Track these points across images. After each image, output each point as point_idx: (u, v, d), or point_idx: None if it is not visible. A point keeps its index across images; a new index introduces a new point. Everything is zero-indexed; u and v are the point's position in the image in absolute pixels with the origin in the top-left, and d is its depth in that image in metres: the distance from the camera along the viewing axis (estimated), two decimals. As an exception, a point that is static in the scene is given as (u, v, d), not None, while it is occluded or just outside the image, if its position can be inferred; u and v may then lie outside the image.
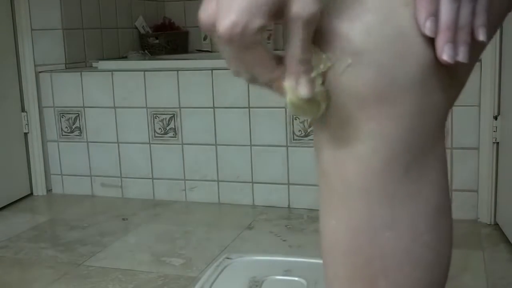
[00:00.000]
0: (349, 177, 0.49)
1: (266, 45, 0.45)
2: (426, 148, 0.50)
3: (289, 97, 0.47)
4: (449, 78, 0.49)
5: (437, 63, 0.47)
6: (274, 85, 0.48)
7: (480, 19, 0.47)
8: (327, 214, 0.53)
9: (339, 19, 0.46)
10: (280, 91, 0.48)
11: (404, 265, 0.50)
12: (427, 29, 0.45)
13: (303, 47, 0.45)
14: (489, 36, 0.50)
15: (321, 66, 0.47)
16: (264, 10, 0.42)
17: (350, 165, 0.49)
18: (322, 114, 0.49)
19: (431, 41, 0.46)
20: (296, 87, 0.46)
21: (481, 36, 0.47)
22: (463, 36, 0.46)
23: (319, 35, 0.47)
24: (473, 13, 0.46)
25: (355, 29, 0.46)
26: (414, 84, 0.46)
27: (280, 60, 0.46)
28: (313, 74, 0.46)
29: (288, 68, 0.46)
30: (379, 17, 0.45)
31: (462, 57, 0.46)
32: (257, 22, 0.43)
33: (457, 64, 0.47)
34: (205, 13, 0.45)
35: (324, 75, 0.47)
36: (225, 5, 0.43)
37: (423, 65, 0.46)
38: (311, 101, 0.47)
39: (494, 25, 0.51)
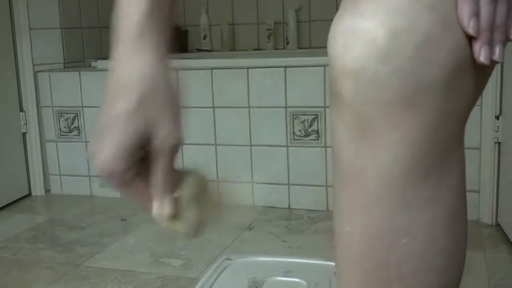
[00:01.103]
0: (369, 185, 0.49)
1: (135, 179, 0.53)
2: (447, 153, 0.49)
3: (156, 216, 0.55)
4: (474, 81, 0.48)
5: (462, 67, 0.46)
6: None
7: None
8: (342, 220, 0.52)
9: (363, 19, 0.46)
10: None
11: (419, 270, 0.50)
12: (471, 28, 0.45)
13: (164, 172, 0.51)
14: None
15: (186, 191, 0.54)
16: (127, 154, 0.50)
17: (371, 172, 0.48)
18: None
19: (456, 46, 0.46)
20: (160, 208, 0.54)
21: None
22: (499, 36, 0.46)
23: (337, 30, 0.47)
24: (508, 13, 0.46)
25: (381, 32, 0.45)
26: (439, 89, 0.46)
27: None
28: (176, 194, 0.53)
29: (153, 191, 0.52)
30: (405, 22, 0.45)
31: (497, 56, 0.46)
32: (120, 166, 0.51)
33: (484, 65, 0.47)
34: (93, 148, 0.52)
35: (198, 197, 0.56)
36: (98, 148, 0.52)
37: (449, 70, 0.46)
38: (177, 221, 0.55)
39: None
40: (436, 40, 0.45)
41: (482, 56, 0.46)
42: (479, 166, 1.69)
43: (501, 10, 0.46)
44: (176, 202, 0.53)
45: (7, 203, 2.04)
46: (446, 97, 0.46)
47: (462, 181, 0.52)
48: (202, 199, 0.58)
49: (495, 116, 1.64)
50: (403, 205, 0.48)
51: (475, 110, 1.67)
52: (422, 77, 0.45)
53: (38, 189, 2.16)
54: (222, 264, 1.37)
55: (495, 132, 1.64)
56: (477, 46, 0.46)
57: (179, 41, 2.73)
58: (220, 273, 1.33)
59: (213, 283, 1.28)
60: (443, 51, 0.45)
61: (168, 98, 0.53)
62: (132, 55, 0.55)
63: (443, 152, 0.49)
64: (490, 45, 0.46)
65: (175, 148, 0.51)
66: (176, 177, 0.53)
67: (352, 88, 0.47)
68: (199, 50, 2.73)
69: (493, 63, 0.47)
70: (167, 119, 0.52)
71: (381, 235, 0.49)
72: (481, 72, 0.48)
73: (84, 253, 1.57)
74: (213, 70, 1.91)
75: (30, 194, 2.16)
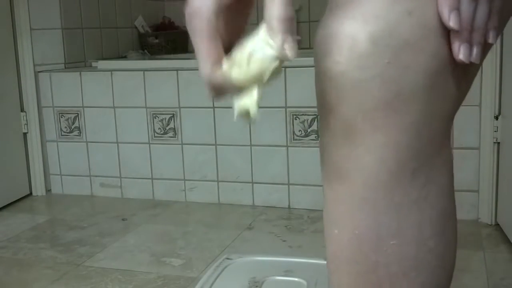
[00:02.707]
0: (355, 188, 0.49)
1: (215, 34, 0.46)
2: (433, 154, 0.49)
3: (235, 78, 0.45)
4: (456, 84, 0.49)
5: (444, 71, 0.47)
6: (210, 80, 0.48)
7: (493, 22, 0.47)
8: (331, 223, 0.53)
9: (343, 24, 0.46)
10: (223, 85, 0.47)
11: (409, 271, 0.50)
12: (452, 21, 0.45)
13: (286, 3, 0.43)
14: (497, 38, 0.50)
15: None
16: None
17: (356, 176, 0.49)
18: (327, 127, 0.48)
19: (436, 50, 0.46)
20: (281, 49, 0.43)
21: (491, 39, 0.47)
22: (478, 37, 0.47)
23: (323, 30, 0.47)
24: (488, 15, 0.47)
25: (360, 38, 0.45)
26: (420, 93, 0.46)
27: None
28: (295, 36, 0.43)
29: (270, 29, 0.43)
30: (384, 27, 0.45)
31: (475, 58, 0.47)
32: (211, 6, 0.45)
33: (465, 67, 0.47)
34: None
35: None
36: None
37: (429, 74, 0.46)
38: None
39: (501, 28, 0.51)
40: (416, 44, 0.45)
41: (461, 54, 0.46)
42: (478, 166, 1.69)
43: (481, 11, 0.46)
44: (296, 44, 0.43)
45: (7, 203, 2.05)
46: (428, 100, 0.47)
47: (450, 181, 0.52)
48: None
49: (494, 116, 1.64)
50: (390, 207, 0.49)
51: (474, 110, 1.67)
52: (403, 81, 0.46)
53: (38, 189, 2.16)
54: (222, 264, 1.37)
55: (494, 132, 1.64)
56: (456, 44, 0.46)
57: (179, 41, 2.74)
58: (220, 273, 1.33)
59: (213, 283, 1.28)
60: (423, 56, 0.46)
61: None
62: None
63: (429, 154, 0.49)
64: (470, 44, 0.46)
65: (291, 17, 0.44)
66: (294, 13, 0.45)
67: (334, 93, 0.47)
68: (200, 50, 2.73)
69: (472, 65, 0.47)
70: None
71: (369, 237, 0.50)
72: (463, 75, 0.49)
73: (85, 253, 1.58)
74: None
75: (30, 194, 2.17)
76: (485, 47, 0.48)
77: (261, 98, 0.46)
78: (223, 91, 0.49)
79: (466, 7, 0.46)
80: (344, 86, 0.46)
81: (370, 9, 0.46)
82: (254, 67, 0.45)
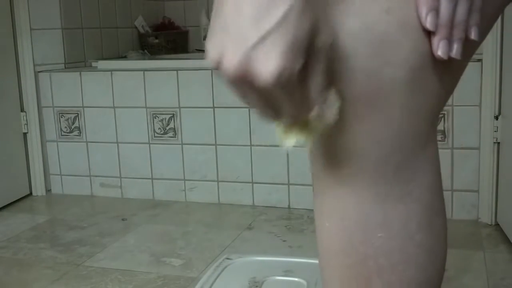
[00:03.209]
0: (341, 179, 0.50)
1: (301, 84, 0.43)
2: (416, 148, 0.50)
3: (315, 126, 0.45)
4: (438, 80, 0.49)
5: (425, 67, 0.48)
6: (295, 119, 0.45)
7: (474, 19, 0.48)
8: (321, 216, 0.54)
9: (328, 16, 0.46)
10: (297, 126, 0.46)
11: (397, 264, 0.51)
12: (428, 23, 0.46)
13: (324, 75, 0.43)
14: (482, 35, 0.51)
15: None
16: (303, 48, 0.40)
17: (342, 167, 0.50)
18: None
19: (416, 46, 0.47)
20: (321, 115, 0.44)
21: (473, 35, 0.48)
22: (458, 33, 0.47)
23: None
24: (468, 12, 0.47)
25: (341, 30, 0.46)
26: (402, 87, 0.47)
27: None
28: (333, 99, 0.45)
29: (312, 97, 0.43)
30: (363, 24, 0.46)
31: (455, 53, 0.47)
32: (299, 64, 0.40)
33: (448, 63, 0.48)
34: (230, 63, 0.40)
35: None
36: (262, 51, 0.39)
37: (410, 69, 0.47)
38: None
39: (486, 26, 0.52)
40: (395, 41, 0.46)
41: (440, 50, 0.47)
42: (478, 166, 1.69)
43: (462, 7, 0.47)
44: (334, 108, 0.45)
45: (8, 203, 2.05)
46: (409, 95, 0.48)
47: (436, 178, 0.53)
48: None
49: (494, 116, 1.64)
50: (376, 199, 0.50)
51: (474, 110, 1.67)
52: (382, 76, 0.46)
53: (38, 189, 2.16)
54: (222, 264, 1.37)
55: (494, 132, 1.64)
56: (435, 41, 0.47)
57: (179, 41, 2.74)
58: (220, 273, 1.33)
59: (213, 283, 1.28)
60: (402, 51, 0.46)
61: None
62: None
63: (413, 149, 0.50)
64: (449, 41, 0.47)
65: (332, 48, 0.44)
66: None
67: (320, 82, 0.47)
68: (199, 50, 2.74)
69: (453, 59, 0.48)
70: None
71: (357, 229, 0.51)
72: (446, 71, 0.49)
73: (85, 253, 1.58)
74: (213, 71, 1.92)
75: (30, 194, 2.17)
76: (470, 44, 0.49)
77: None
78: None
79: (446, 5, 0.46)
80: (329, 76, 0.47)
81: (351, 6, 0.46)
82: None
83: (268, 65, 0.39)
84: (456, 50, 0.47)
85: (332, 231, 0.52)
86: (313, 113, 0.44)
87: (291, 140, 0.47)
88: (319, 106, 0.44)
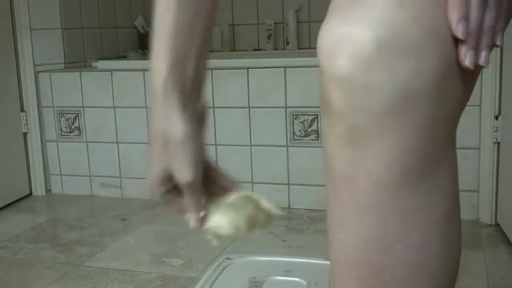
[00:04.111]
0: (361, 192, 0.49)
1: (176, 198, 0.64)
2: (438, 157, 0.49)
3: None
4: (462, 86, 0.49)
5: (450, 74, 0.47)
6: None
7: (501, 25, 0.47)
8: (335, 227, 0.52)
9: (349, 28, 0.46)
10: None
11: (413, 273, 0.50)
12: (460, 31, 0.45)
13: (191, 197, 0.63)
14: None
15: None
16: (159, 180, 0.62)
17: (362, 180, 0.48)
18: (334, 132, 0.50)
19: (443, 53, 0.46)
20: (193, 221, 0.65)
21: (499, 42, 0.48)
22: (486, 40, 0.47)
23: (322, 42, 0.47)
24: (496, 19, 0.47)
25: (367, 42, 0.45)
26: (428, 96, 0.46)
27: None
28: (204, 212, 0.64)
29: (187, 209, 0.65)
30: (389, 32, 0.45)
31: (483, 61, 0.47)
32: (159, 189, 0.63)
33: (473, 69, 0.47)
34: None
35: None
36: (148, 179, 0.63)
37: (436, 78, 0.46)
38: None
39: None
40: (422, 49, 0.45)
41: (467, 60, 0.46)
42: (478, 166, 1.69)
43: (490, 16, 0.46)
44: (203, 218, 0.65)
45: (8, 203, 2.05)
46: (434, 104, 0.47)
47: (455, 184, 0.52)
48: (239, 207, 0.68)
49: (494, 116, 1.64)
50: (396, 211, 0.49)
51: (474, 110, 1.67)
52: (409, 85, 0.45)
53: (38, 189, 2.16)
54: (222, 264, 1.37)
55: (494, 132, 1.64)
56: (463, 50, 0.46)
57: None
58: (220, 273, 1.33)
59: (213, 283, 1.28)
60: (429, 60, 0.46)
61: (187, 148, 0.64)
62: (158, 111, 0.63)
63: (435, 158, 0.49)
64: (476, 49, 0.46)
65: (190, 184, 0.62)
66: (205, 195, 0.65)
67: (341, 97, 0.47)
68: (200, 50, 2.73)
69: (478, 67, 0.47)
70: (181, 164, 0.62)
71: (375, 242, 0.49)
72: (469, 76, 0.49)
73: (85, 253, 1.58)
74: (213, 71, 1.92)
75: (31, 194, 2.17)
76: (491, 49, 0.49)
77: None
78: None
79: (475, 15, 0.46)
80: (350, 91, 0.46)
81: (374, 13, 0.45)
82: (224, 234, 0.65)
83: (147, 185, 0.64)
84: (484, 58, 0.47)
85: (347, 243, 0.51)
86: (190, 221, 0.64)
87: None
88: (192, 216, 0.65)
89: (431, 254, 0.50)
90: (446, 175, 0.50)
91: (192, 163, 0.63)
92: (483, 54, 0.47)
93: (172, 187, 0.64)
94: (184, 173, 0.62)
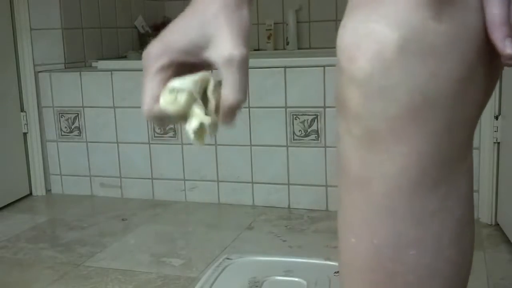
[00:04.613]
0: (376, 197, 0.48)
1: (161, 81, 0.56)
2: (455, 162, 0.48)
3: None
4: (482, 90, 0.47)
5: (470, 77, 0.45)
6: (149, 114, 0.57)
7: None
8: (347, 230, 0.52)
9: (367, 29, 0.45)
10: (162, 117, 0.57)
11: (425, 279, 0.50)
12: (509, 48, 0.44)
13: (235, 88, 0.54)
14: None
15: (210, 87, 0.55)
16: (175, 47, 0.56)
17: (378, 184, 0.48)
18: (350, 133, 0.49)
19: (463, 57, 0.45)
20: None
21: None
22: None
23: (341, 44, 0.47)
24: None
25: (386, 44, 0.44)
26: (445, 101, 0.45)
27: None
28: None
29: (222, 108, 0.55)
30: (410, 33, 0.44)
31: None
32: (166, 57, 0.56)
33: (493, 72, 0.46)
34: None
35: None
36: (161, 34, 0.56)
37: (456, 82, 0.45)
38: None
39: None
40: (442, 51, 0.44)
41: (509, 48, 0.44)
42: (478, 166, 1.69)
43: None
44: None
45: (7, 203, 2.05)
46: (453, 108, 0.46)
47: (470, 189, 0.51)
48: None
49: (494, 116, 1.64)
50: (411, 216, 0.48)
51: (475, 110, 1.67)
52: (428, 89, 0.44)
53: (38, 189, 2.16)
54: (222, 264, 1.37)
55: (494, 132, 1.64)
56: (499, 40, 0.44)
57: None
58: (220, 273, 1.33)
59: (213, 283, 1.28)
60: (449, 62, 0.44)
61: (236, 20, 0.54)
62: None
63: (452, 162, 0.48)
64: None
65: (243, 62, 0.52)
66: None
67: (358, 100, 0.46)
68: (200, 50, 2.73)
69: (498, 67, 0.46)
70: (238, 33, 0.53)
71: (388, 247, 0.49)
72: (489, 80, 0.48)
73: (85, 253, 1.58)
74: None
75: (30, 194, 2.17)
76: None
77: (203, 121, 0.55)
78: (164, 122, 0.57)
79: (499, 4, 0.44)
80: (368, 93, 0.45)
81: (394, 13, 0.44)
82: (181, 101, 0.54)
83: (151, 44, 0.58)
84: None
85: (359, 247, 0.50)
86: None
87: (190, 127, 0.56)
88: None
89: (444, 259, 0.50)
90: (462, 179, 0.49)
91: (248, 43, 0.54)
92: None
93: (178, 64, 0.56)
94: (242, 46, 0.53)
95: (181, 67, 0.56)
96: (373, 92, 0.45)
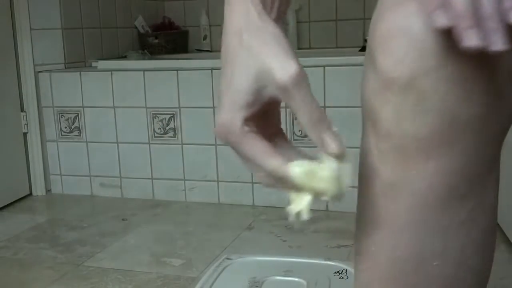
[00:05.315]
0: (400, 211, 0.48)
1: (257, 135, 0.48)
2: (485, 174, 0.48)
3: (298, 176, 0.46)
4: (510, 106, 0.46)
5: (501, 95, 0.45)
6: (279, 174, 0.47)
7: (508, 2, 0.39)
8: (368, 238, 0.51)
9: (414, 18, 0.43)
10: (286, 181, 0.47)
11: (446, 287, 0.49)
12: (437, 22, 0.40)
13: (310, 107, 0.45)
14: None
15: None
16: (243, 100, 0.46)
17: (403, 200, 0.47)
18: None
19: (494, 78, 0.43)
20: (327, 150, 0.45)
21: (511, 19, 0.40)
22: (492, 24, 0.39)
23: (372, 57, 0.45)
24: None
25: (418, 69, 0.43)
26: (475, 122, 0.44)
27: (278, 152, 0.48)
28: (336, 129, 0.46)
29: (310, 136, 0.46)
30: (439, 60, 0.43)
31: (499, 45, 0.38)
32: (240, 115, 0.47)
33: None
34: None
35: None
36: (217, 110, 0.48)
37: (485, 104, 0.44)
38: (334, 176, 0.45)
39: None
40: (473, 76, 0.43)
41: (465, 41, 0.39)
42: (478, 166, 1.69)
43: None
44: (339, 138, 0.45)
45: (7, 203, 2.05)
46: (482, 130, 0.45)
47: (495, 199, 0.51)
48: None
49: (494, 116, 1.64)
50: (437, 229, 0.47)
51: (475, 110, 1.67)
52: (458, 112, 0.44)
53: (38, 189, 2.16)
54: (222, 264, 1.37)
55: (494, 132, 1.64)
56: (455, 35, 0.39)
57: (179, 41, 2.74)
58: (220, 273, 1.33)
59: (213, 283, 1.28)
60: (480, 86, 0.43)
61: (275, 37, 0.47)
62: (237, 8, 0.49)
63: (480, 177, 0.48)
64: (483, 34, 0.39)
65: (301, 79, 0.44)
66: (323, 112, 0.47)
67: (392, 119, 0.45)
68: (199, 50, 2.74)
69: (496, 53, 0.41)
70: (283, 54, 0.46)
71: (411, 259, 0.48)
72: None
73: (85, 253, 1.58)
74: (213, 71, 1.92)
75: (30, 194, 2.17)
76: None
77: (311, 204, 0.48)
78: (279, 185, 0.49)
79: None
80: (403, 112, 0.45)
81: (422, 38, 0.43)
82: (321, 180, 0.46)
83: (216, 121, 0.49)
84: (497, 42, 0.38)
85: (379, 257, 0.50)
86: (291, 167, 0.46)
87: (298, 206, 0.47)
88: (319, 138, 0.46)
89: (467, 269, 0.49)
90: (489, 191, 0.49)
91: (295, 56, 0.46)
92: (495, 38, 0.38)
93: (254, 114, 0.48)
94: (289, 64, 0.44)
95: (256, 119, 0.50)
96: (406, 111, 0.44)
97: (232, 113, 0.47)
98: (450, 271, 0.49)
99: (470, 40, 0.38)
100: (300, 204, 0.47)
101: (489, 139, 0.46)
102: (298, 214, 0.47)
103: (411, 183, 0.47)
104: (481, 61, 0.43)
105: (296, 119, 0.47)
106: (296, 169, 0.46)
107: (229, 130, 0.48)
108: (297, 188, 0.47)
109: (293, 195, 0.48)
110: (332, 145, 0.45)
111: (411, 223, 0.48)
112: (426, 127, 0.44)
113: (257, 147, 0.48)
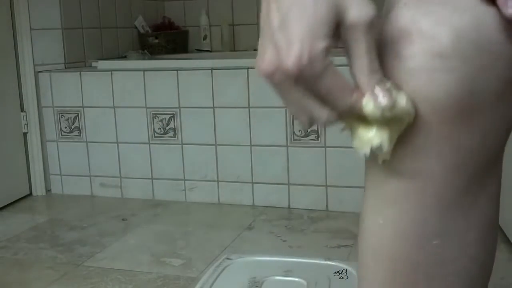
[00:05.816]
0: (407, 183, 0.48)
1: (335, 68, 0.42)
2: (492, 159, 0.48)
3: (372, 112, 0.43)
4: None
5: None
6: (349, 111, 0.43)
7: None
8: (375, 212, 0.51)
9: (422, 16, 0.44)
10: (352, 119, 0.44)
11: (448, 275, 0.50)
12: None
13: (370, 56, 0.42)
14: None
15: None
16: (324, 29, 0.40)
17: (409, 172, 0.47)
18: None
19: None
20: (375, 100, 0.42)
21: None
22: None
23: (393, 28, 0.45)
24: None
25: (443, 32, 0.43)
26: (491, 99, 0.44)
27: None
28: (388, 85, 0.43)
29: (360, 83, 0.43)
30: (471, 22, 0.42)
31: None
32: (322, 44, 0.40)
33: None
34: (263, 61, 0.42)
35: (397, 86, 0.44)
36: (284, 41, 0.40)
37: (504, 81, 0.44)
38: (394, 116, 0.43)
39: None
40: (497, 47, 0.43)
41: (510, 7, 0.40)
42: (478, 166, 1.69)
43: None
44: (390, 93, 0.42)
45: (7, 203, 2.05)
46: (498, 108, 0.45)
47: (499, 189, 0.51)
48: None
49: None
50: (440, 205, 0.48)
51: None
52: (476, 84, 0.43)
53: (38, 189, 2.16)
54: (222, 264, 1.37)
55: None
56: (501, 2, 0.41)
57: (179, 41, 2.74)
58: (220, 273, 1.33)
59: (213, 283, 1.28)
60: (501, 61, 0.43)
61: None
62: None
63: (489, 161, 0.48)
64: None
65: (373, 25, 0.42)
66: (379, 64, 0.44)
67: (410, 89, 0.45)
68: (199, 50, 2.74)
69: None
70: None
71: (413, 233, 0.48)
72: None
73: (85, 253, 1.58)
74: (213, 70, 1.92)
75: (30, 194, 2.16)
76: None
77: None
78: (347, 121, 0.46)
79: None
80: (421, 85, 0.44)
81: (451, 3, 0.43)
82: (397, 113, 0.44)
83: (289, 55, 0.40)
84: None
85: (385, 232, 0.50)
86: (365, 102, 0.43)
87: (369, 143, 0.44)
88: (372, 93, 0.42)
89: (470, 257, 0.50)
90: (493, 181, 0.49)
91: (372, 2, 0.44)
92: None
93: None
94: (367, 7, 0.42)
95: None
96: (422, 89, 0.44)
97: (312, 40, 0.40)
98: (450, 254, 0.49)
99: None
100: (377, 137, 0.44)
101: (502, 123, 0.46)
102: (379, 147, 0.44)
103: (421, 158, 0.47)
104: (507, 34, 0.43)
105: (350, 65, 0.43)
106: (371, 104, 0.43)
107: (311, 60, 0.40)
108: (369, 122, 0.44)
109: (361, 131, 0.45)
110: (381, 97, 0.42)
111: (415, 193, 0.48)
112: (445, 91, 0.43)
113: (340, 81, 0.42)
